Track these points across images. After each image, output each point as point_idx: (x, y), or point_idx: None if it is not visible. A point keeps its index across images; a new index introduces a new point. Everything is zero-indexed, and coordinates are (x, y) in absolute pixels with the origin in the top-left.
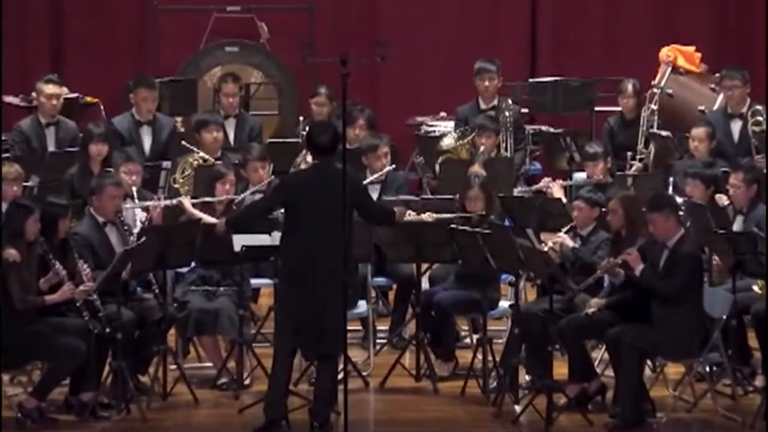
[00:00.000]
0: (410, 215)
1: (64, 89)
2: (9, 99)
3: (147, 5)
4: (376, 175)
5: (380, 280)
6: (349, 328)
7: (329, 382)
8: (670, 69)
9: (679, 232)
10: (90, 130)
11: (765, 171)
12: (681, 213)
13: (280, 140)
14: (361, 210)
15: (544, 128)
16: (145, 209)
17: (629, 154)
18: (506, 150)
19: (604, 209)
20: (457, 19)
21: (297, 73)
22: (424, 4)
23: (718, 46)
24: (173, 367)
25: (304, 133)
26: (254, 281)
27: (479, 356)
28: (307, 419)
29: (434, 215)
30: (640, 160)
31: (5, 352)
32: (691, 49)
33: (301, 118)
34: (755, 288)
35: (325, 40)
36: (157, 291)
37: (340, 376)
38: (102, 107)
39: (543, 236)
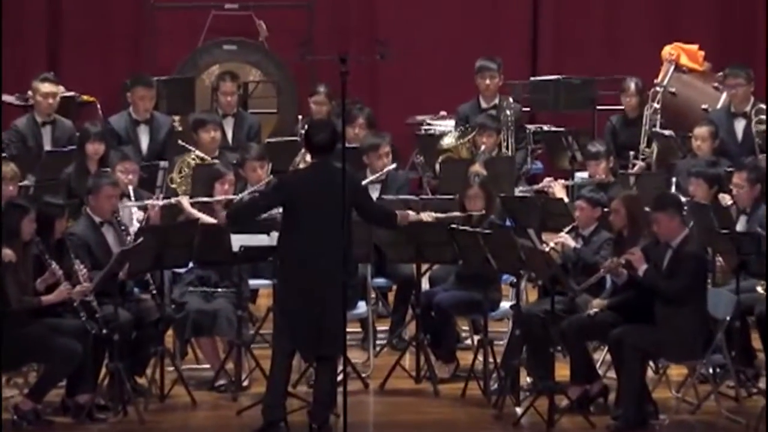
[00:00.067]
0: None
1: (61, 88)
2: (5, 98)
3: (144, 3)
4: (376, 175)
5: (380, 281)
6: (348, 329)
7: (328, 384)
8: (673, 67)
9: (683, 232)
10: (87, 129)
11: (765, 170)
12: (684, 213)
13: (279, 139)
14: (360, 210)
15: (545, 127)
16: (143, 209)
17: (632, 153)
18: (507, 149)
19: (606, 209)
20: (457, 16)
21: (296, 72)
22: (425, 1)
23: (721, 44)
24: (171, 368)
25: (303, 132)
26: (253, 282)
27: (480, 358)
28: (306, 421)
29: (433, 214)
30: (643, 159)
31: (1, 354)
32: (695, 47)
33: (300, 117)
34: (759, 289)
35: (324, 37)
36: (154, 292)
37: (340, 377)
38: (99, 106)
39: (544, 236)
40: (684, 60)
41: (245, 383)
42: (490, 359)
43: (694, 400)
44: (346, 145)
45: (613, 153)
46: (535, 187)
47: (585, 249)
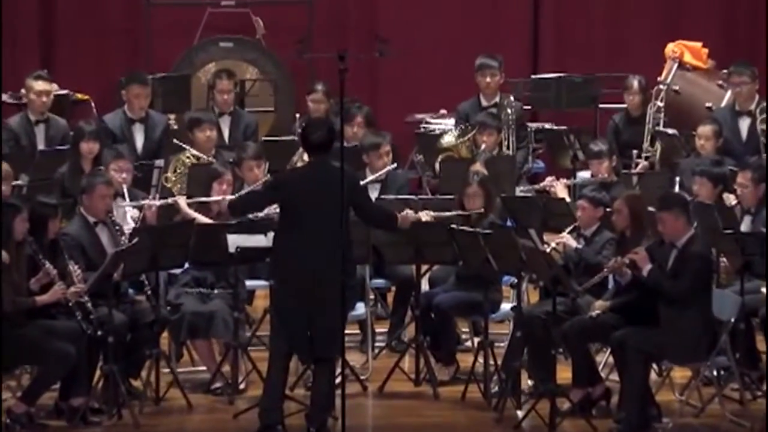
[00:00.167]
0: (409, 213)
1: (54, 86)
2: None
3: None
4: (376, 175)
5: (379, 282)
6: (346, 331)
7: (326, 387)
8: (676, 65)
9: (689, 232)
10: (81, 127)
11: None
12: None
13: (276, 138)
14: (358, 211)
15: (547, 126)
16: (140, 208)
17: (635, 152)
18: (508, 148)
19: (608, 209)
20: (457, 14)
21: (293, 70)
22: None
23: (725, 42)
24: (166, 371)
25: (300, 130)
26: (249, 283)
27: (480, 360)
28: (303, 425)
29: (432, 213)
30: (646, 158)
31: None
32: (698, 44)
33: (297, 116)
34: (764, 290)
35: (322, 35)
36: (149, 293)
37: (338, 380)
38: (93, 104)
39: (546, 237)
40: (688, 57)
41: (242, 386)
42: (491, 361)
43: (698, 403)
44: (345, 144)
45: (616, 152)
46: (537, 186)
47: (587, 249)
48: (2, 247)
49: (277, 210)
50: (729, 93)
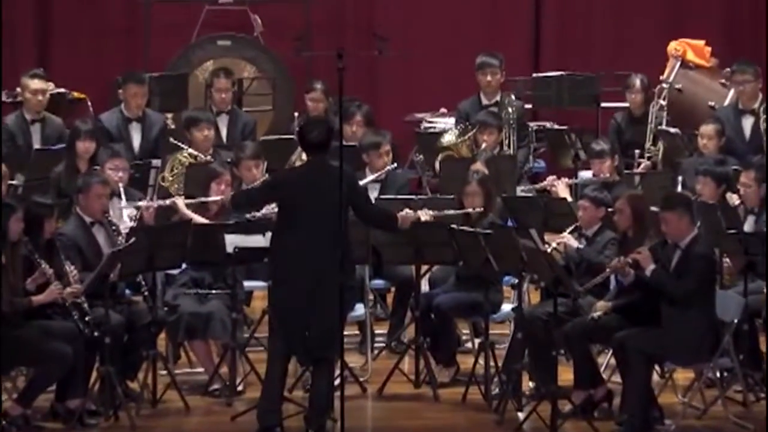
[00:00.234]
0: (408, 212)
1: (50, 84)
2: None
3: None
4: (375, 175)
5: (378, 283)
6: (346, 332)
7: (325, 388)
8: (679, 63)
9: (693, 233)
10: (77, 127)
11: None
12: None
13: (275, 137)
14: (357, 211)
15: (548, 125)
16: (137, 208)
17: (637, 151)
18: (509, 147)
19: (610, 209)
20: (458, 11)
21: (292, 68)
22: None
23: (728, 40)
24: (163, 372)
25: (297, 129)
26: (247, 283)
27: (481, 361)
28: (302, 427)
29: (430, 212)
30: (649, 157)
31: None
32: (701, 42)
33: (296, 115)
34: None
35: (321, 32)
36: (146, 293)
37: (337, 381)
38: (89, 103)
39: (547, 237)
40: (690, 56)
41: (240, 388)
42: (492, 363)
43: (701, 405)
44: (344, 143)
45: (618, 151)
46: (538, 186)
47: (588, 249)
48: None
49: (275, 210)
50: (732, 91)
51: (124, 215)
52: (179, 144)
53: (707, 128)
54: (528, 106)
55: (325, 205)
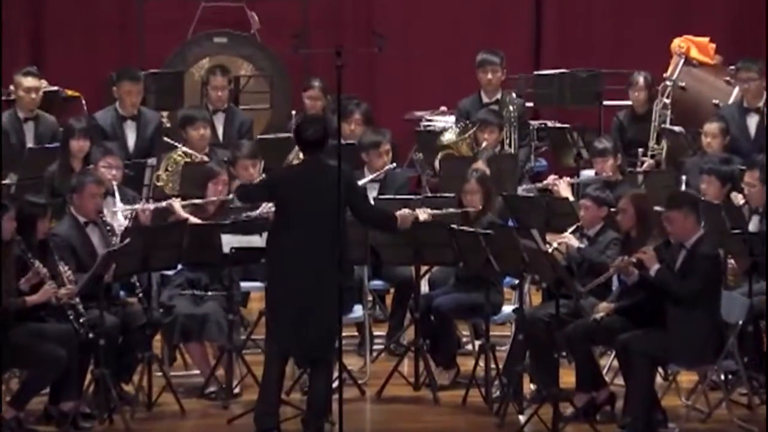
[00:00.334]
0: (406, 212)
1: (44, 82)
2: None
3: None
4: (375, 174)
5: (377, 284)
6: (344, 333)
7: (323, 391)
8: (682, 61)
9: (698, 233)
10: (71, 125)
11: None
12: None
13: (272, 136)
14: (355, 211)
15: (550, 123)
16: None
17: (640, 150)
18: (510, 146)
19: (612, 208)
20: (458, 7)
21: (289, 65)
22: None
23: (733, 37)
24: (159, 374)
25: (294, 127)
26: (244, 284)
27: (481, 364)
28: (300, 429)
29: (429, 211)
30: (652, 156)
31: None
32: (705, 39)
33: (293, 113)
34: None
35: (319, 29)
36: (141, 295)
37: (335, 384)
38: (83, 101)
39: (548, 237)
40: (694, 53)
41: (236, 390)
42: (492, 365)
43: (705, 407)
44: (342, 141)
45: (621, 150)
46: (539, 185)
47: (590, 249)
48: None
49: (272, 209)
50: (737, 89)
51: (119, 215)
52: (174, 143)
53: (711, 127)
54: (529, 104)
55: (322, 204)
